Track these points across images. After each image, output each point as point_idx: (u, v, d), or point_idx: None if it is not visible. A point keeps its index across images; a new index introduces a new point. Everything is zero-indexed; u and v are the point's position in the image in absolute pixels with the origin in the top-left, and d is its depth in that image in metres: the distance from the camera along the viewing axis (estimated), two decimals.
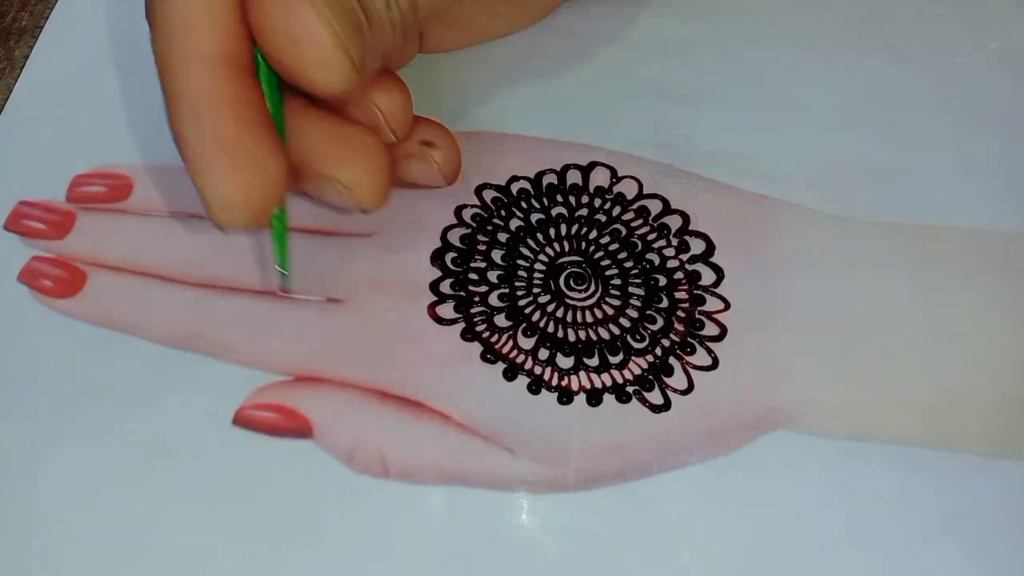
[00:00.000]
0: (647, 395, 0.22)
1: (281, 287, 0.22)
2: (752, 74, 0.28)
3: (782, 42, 0.28)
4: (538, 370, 0.22)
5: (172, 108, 0.19)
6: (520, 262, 0.24)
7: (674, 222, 0.24)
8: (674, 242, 0.24)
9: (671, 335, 0.23)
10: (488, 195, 0.25)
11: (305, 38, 0.18)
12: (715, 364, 0.22)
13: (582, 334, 0.23)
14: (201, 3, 0.18)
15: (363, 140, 0.21)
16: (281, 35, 0.18)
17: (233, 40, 0.19)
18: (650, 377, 0.22)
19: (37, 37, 0.29)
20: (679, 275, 0.24)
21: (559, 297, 0.23)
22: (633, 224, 0.24)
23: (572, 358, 0.22)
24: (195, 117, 0.18)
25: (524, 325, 0.23)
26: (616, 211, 0.25)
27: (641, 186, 0.25)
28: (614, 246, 0.24)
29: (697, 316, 0.23)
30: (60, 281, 0.24)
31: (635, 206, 0.25)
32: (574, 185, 0.25)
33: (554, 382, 0.22)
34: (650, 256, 0.24)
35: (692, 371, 0.22)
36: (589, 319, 0.23)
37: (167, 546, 0.20)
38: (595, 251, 0.24)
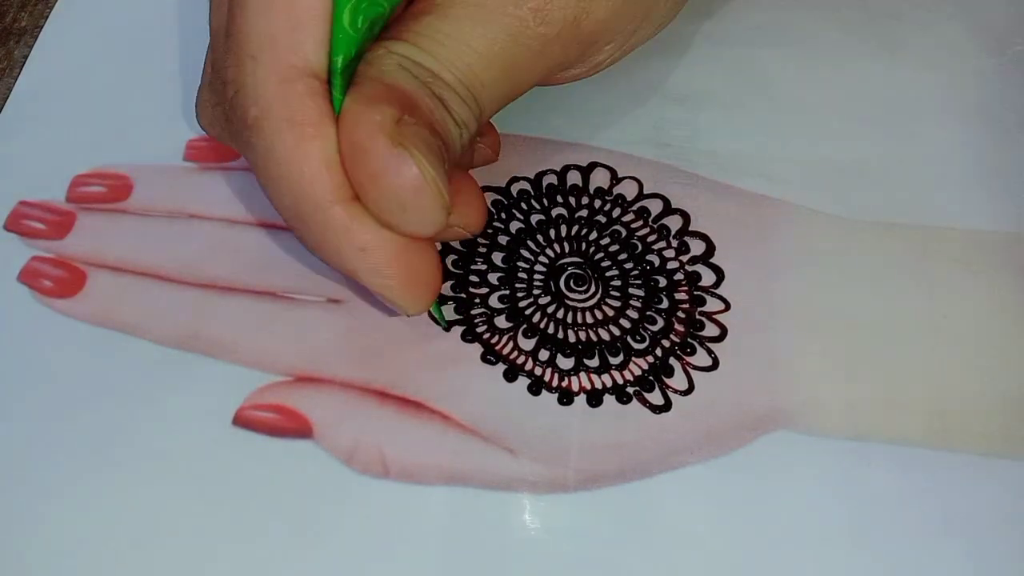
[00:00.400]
0: (647, 396, 0.22)
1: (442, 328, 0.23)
2: (752, 74, 0.28)
3: (782, 42, 0.28)
4: (538, 371, 0.22)
5: (327, 251, 0.19)
6: (520, 264, 0.24)
7: (674, 223, 0.24)
8: (674, 243, 0.24)
9: (671, 336, 0.23)
10: (488, 198, 0.25)
11: (410, 200, 0.18)
12: (715, 364, 0.22)
13: (582, 335, 0.23)
14: (315, 157, 0.18)
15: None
16: (387, 195, 0.18)
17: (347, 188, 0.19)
18: (650, 378, 0.22)
19: (37, 37, 0.29)
20: (679, 276, 0.24)
21: (559, 298, 0.23)
22: (633, 225, 0.24)
23: (572, 359, 0.22)
24: (357, 250, 0.19)
25: (524, 326, 0.23)
26: (616, 212, 0.25)
27: (641, 187, 0.25)
28: (614, 247, 0.24)
29: (697, 317, 0.23)
30: (60, 281, 0.24)
31: (635, 207, 0.25)
32: (574, 186, 0.25)
33: (554, 383, 0.22)
34: (650, 257, 0.24)
35: (692, 371, 0.22)
36: (589, 320, 0.23)
37: (167, 546, 0.20)
38: (595, 252, 0.24)
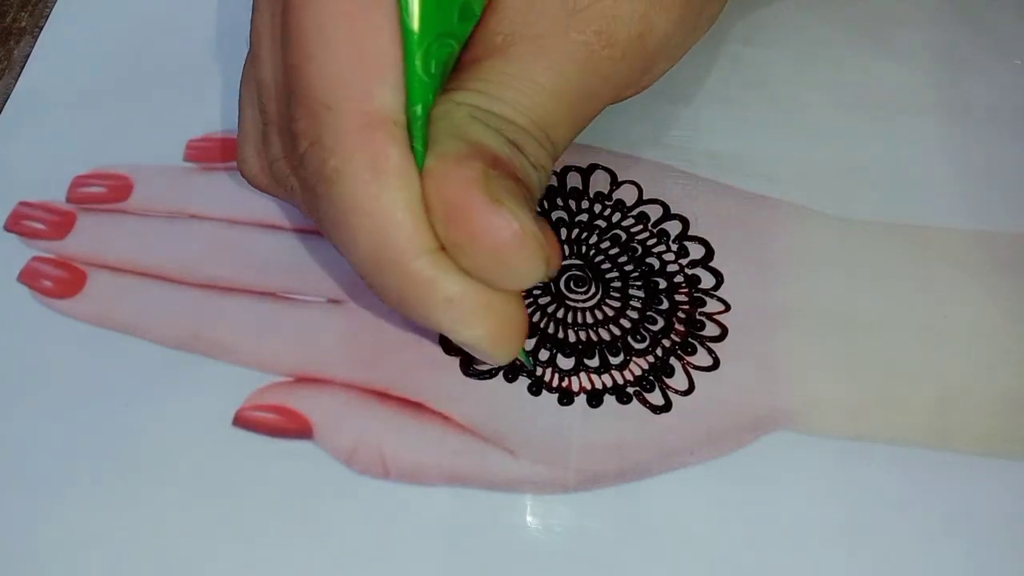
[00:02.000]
0: (648, 396, 0.22)
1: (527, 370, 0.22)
2: (752, 74, 0.28)
3: (782, 42, 0.28)
4: (538, 371, 0.22)
5: (410, 306, 0.18)
6: None
7: (673, 228, 0.24)
8: (673, 247, 0.24)
9: (672, 335, 0.23)
10: None
11: (513, 256, 0.18)
12: (716, 364, 0.22)
13: (582, 335, 0.23)
14: (399, 205, 0.17)
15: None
16: (488, 253, 0.18)
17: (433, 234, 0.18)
18: (650, 378, 0.22)
19: (37, 37, 0.29)
20: (679, 279, 0.24)
21: (559, 298, 0.23)
22: (633, 229, 0.24)
23: (572, 359, 0.22)
24: (446, 302, 0.18)
25: None
26: (616, 217, 0.25)
27: (641, 191, 0.25)
28: (614, 250, 0.24)
29: (697, 317, 0.23)
30: (60, 281, 0.24)
31: (635, 212, 0.25)
32: (574, 189, 0.25)
33: (554, 383, 0.22)
34: (650, 260, 0.24)
35: (693, 372, 0.22)
36: (589, 320, 0.23)
37: (167, 546, 0.20)
38: (595, 255, 0.24)
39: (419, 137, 0.18)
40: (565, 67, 0.19)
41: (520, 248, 0.17)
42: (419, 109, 0.18)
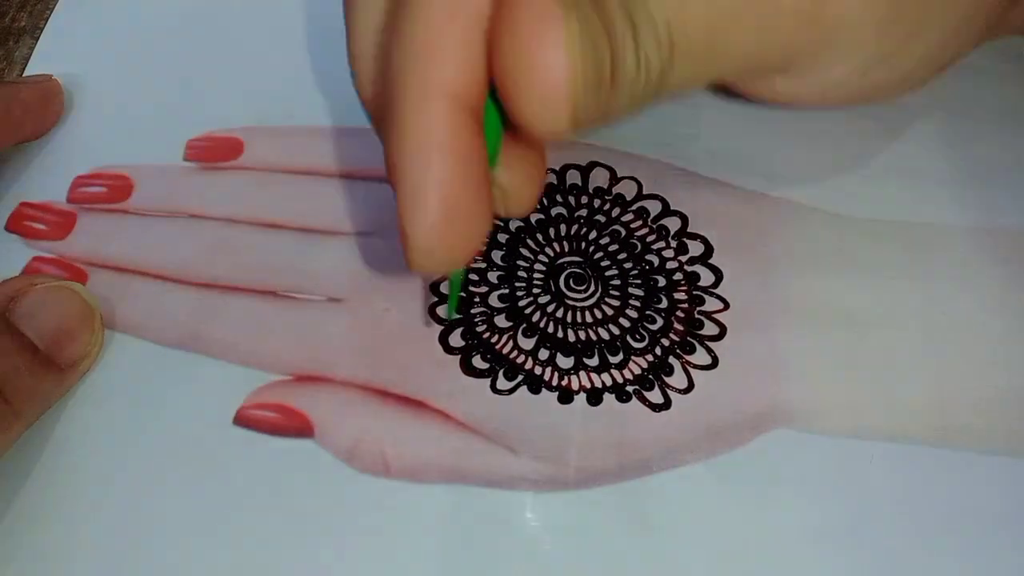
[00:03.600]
0: (647, 394, 0.22)
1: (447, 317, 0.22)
2: None
3: None
4: (538, 370, 0.22)
5: (395, 139, 0.17)
6: (520, 262, 0.24)
7: (673, 224, 0.24)
8: (673, 244, 0.24)
9: (671, 334, 0.23)
10: None
11: (542, 73, 0.16)
12: (715, 363, 0.22)
13: (582, 334, 0.23)
14: (453, 32, 0.16)
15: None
16: (521, 62, 0.16)
17: (476, 80, 0.17)
18: (650, 376, 0.22)
19: (37, 37, 0.29)
20: (678, 276, 0.24)
21: (559, 297, 0.23)
22: (632, 225, 0.24)
23: (572, 358, 0.22)
24: (422, 157, 0.16)
25: (524, 325, 0.23)
26: (615, 212, 0.25)
27: (640, 187, 0.25)
28: (613, 247, 0.24)
29: (696, 316, 0.23)
30: None
31: (634, 207, 0.25)
32: (573, 185, 0.25)
33: (554, 382, 0.22)
34: (649, 257, 0.24)
35: (692, 370, 0.22)
36: (589, 319, 0.23)
37: (167, 545, 0.20)
38: (595, 252, 0.24)
39: None
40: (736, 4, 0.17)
41: (550, 95, 0.16)
42: None
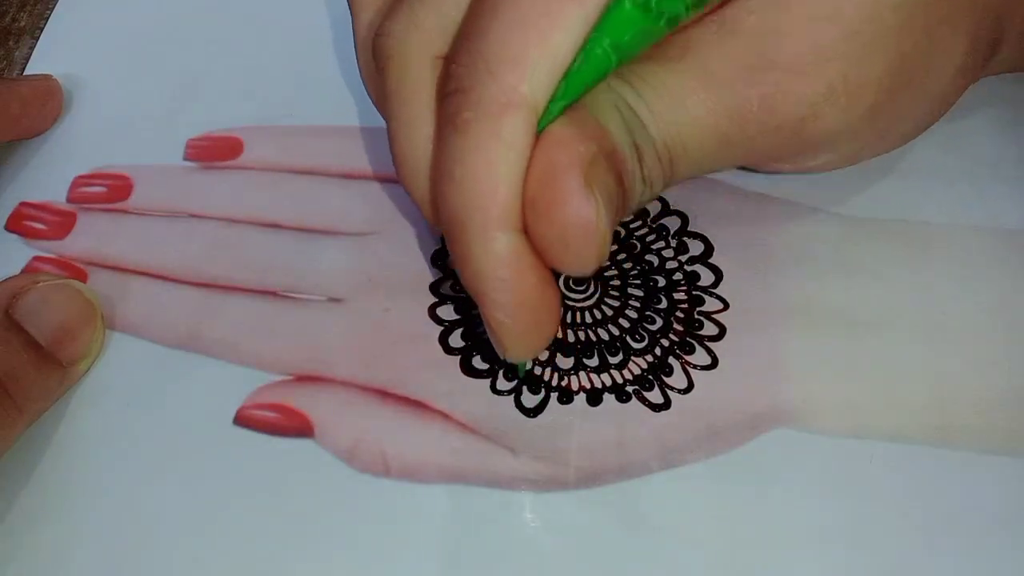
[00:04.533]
0: (647, 394, 0.22)
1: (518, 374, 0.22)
2: None
3: None
4: (538, 370, 0.22)
5: (468, 268, 0.18)
6: None
7: (672, 223, 0.24)
8: (672, 243, 0.24)
9: (670, 335, 0.23)
10: None
11: (574, 241, 0.18)
12: (714, 364, 0.22)
13: (582, 334, 0.23)
14: (503, 175, 0.18)
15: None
16: (556, 226, 0.18)
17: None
18: (650, 377, 0.22)
19: (37, 37, 0.29)
20: (678, 276, 0.24)
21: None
22: (632, 225, 0.24)
23: (572, 358, 0.22)
24: (495, 285, 0.18)
25: None
26: None
27: None
28: (613, 247, 0.24)
29: (696, 316, 0.23)
30: None
31: None
32: None
33: (554, 382, 0.22)
34: (649, 257, 0.24)
35: (691, 370, 0.22)
36: (589, 320, 0.23)
37: (167, 545, 0.20)
38: None
39: (578, 76, 0.18)
40: (718, 108, 0.19)
41: (582, 238, 0.18)
42: (558, 108, 0.18)
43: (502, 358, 0.20)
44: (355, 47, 0.23)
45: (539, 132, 0.18)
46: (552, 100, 0.18)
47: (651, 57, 0.19)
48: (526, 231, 0.18)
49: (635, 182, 0.19)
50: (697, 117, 0.19)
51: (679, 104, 0.19)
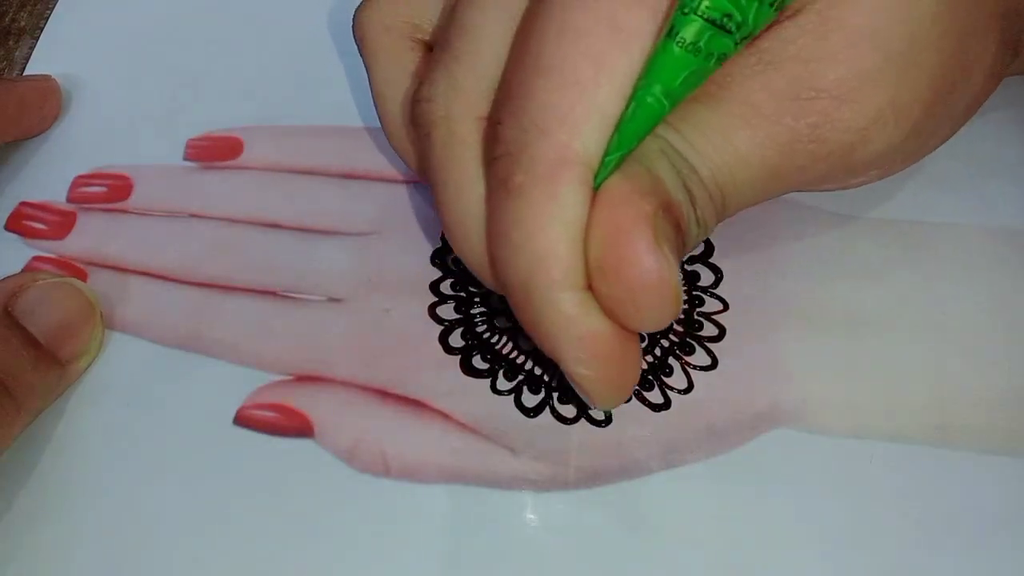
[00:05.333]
0: (647, 394, 0.22)
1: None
2: None
3: None
4: (538, 370, 0.22)
5: (540, 329, 0.18)
6: None
7: None
8: None
9: (670, 335, 0.23)
10: None
11: (647, 300, 0.18)
12: (714, 364, 0.22)
13: None
14: (565, 236, 0.17)
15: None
16: (626, 287, 0.17)
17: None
18: (649, 377, 0.22)
19: (37, 37, 0.29)
20: None
21: None
22: None
23: None
24: (575, 340, 0.18)
25: None
26: None
27: None
28: None
29: (696, 317, 0.23)
30: None
31: None
32: None
33: (555, 382, 0.22)
34: None
35: (691, 371, 0.22)
36: None
37: (167, 545, 0.20)
38: None
39: (631, 126, 0.18)
40: (766, 143, 0.19)
41: (657, 296, 0.17)
42: (612, 161, 0.18)
43: (591, 408, 0.20)
44: (374, 102, 0.23)
45: (595, 188, 0.18)
46: (606, 154, 0.18)
47: (695, 97, 0.19)
48: (591, 288, 0.18)
49: (691, 226, 0.19)
50: (745, 154, 0.19)
51: (726, 142, 0.19)
